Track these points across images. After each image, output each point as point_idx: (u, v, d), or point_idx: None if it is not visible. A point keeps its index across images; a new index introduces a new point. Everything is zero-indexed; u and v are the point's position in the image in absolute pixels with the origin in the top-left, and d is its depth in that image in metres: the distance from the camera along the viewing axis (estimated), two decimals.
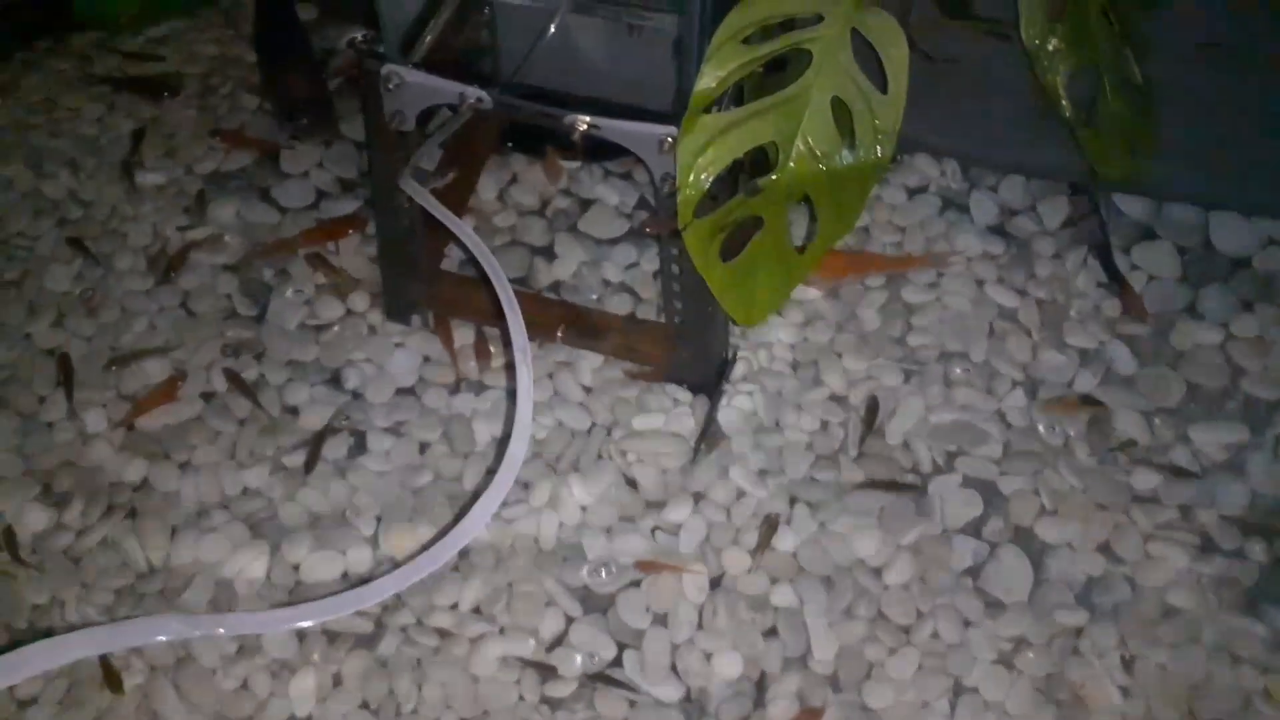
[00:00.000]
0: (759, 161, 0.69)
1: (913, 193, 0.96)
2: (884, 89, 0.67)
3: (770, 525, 0.78)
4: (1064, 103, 0.68)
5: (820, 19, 0.66)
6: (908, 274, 0.91)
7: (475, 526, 0.61)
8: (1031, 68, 0.70)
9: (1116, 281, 0.90)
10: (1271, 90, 0.83)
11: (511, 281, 0.69)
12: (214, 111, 1.04)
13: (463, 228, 0.72)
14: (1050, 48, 0.67)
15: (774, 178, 0.67)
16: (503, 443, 0.83)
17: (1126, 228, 0.92)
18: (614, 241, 0.94)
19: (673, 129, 0.69)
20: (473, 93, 0.74)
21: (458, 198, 0.95)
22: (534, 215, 0.96)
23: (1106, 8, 0.68)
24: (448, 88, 0.74)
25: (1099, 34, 0.68)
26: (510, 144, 0.99)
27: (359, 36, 0.77)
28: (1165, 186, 0.91)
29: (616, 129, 0.71)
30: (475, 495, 0.80)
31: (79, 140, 1.02)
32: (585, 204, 0.97)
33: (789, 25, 0.68)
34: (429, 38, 0.77)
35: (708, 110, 0.67)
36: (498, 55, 0.86)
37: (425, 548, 0.61)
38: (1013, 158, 0.96)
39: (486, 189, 0.97)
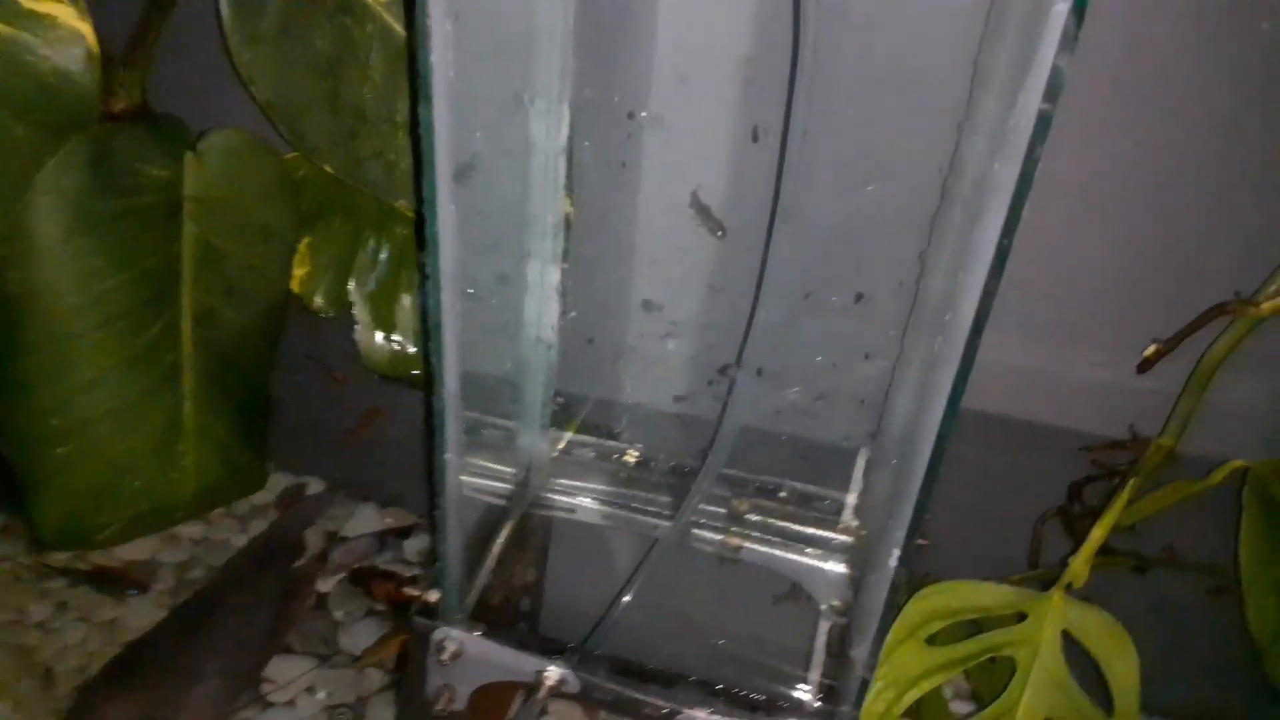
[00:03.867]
0: None
1: None
2: (1108, 707, 0.52)
3: None
4: None
5: (1024, 617, 0.52)
6: None
7: None
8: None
9: None
10: None
11: None
12: None
13: None
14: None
15: None
16: None
17: None
18: None
19: None
20: (555, 672, 0.57)
21: None
22: None
23: None
24: (523, 663, 0.58)
25: None
26: None
27: (420, 586, 0.61)
28: None
29: None
30: None
31: (14, 652, 0.82)
32: None
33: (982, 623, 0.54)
34: (480, 588, 0.62)
35: None
36: (566, 615, 0.72)
37: None
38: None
39: None
